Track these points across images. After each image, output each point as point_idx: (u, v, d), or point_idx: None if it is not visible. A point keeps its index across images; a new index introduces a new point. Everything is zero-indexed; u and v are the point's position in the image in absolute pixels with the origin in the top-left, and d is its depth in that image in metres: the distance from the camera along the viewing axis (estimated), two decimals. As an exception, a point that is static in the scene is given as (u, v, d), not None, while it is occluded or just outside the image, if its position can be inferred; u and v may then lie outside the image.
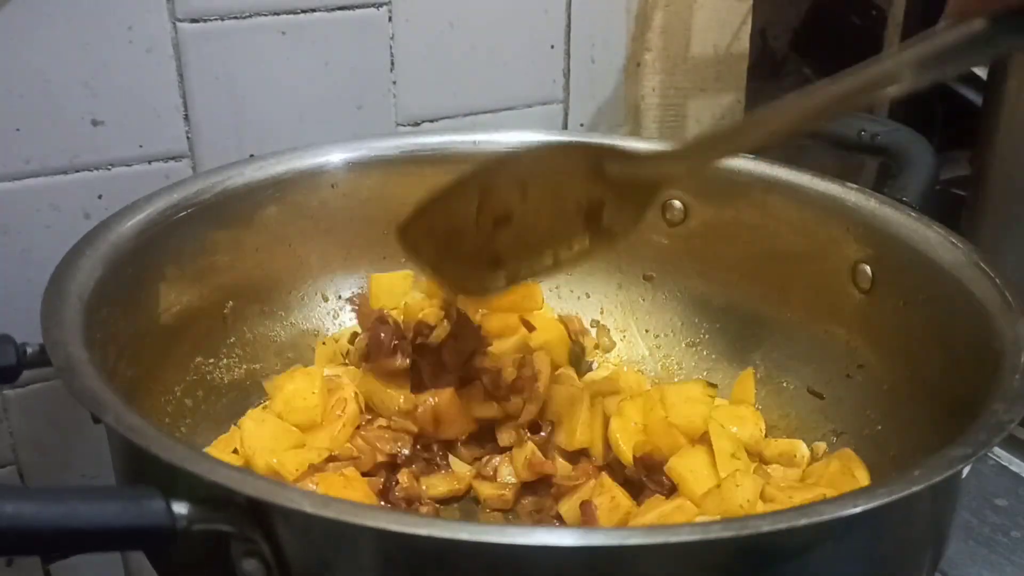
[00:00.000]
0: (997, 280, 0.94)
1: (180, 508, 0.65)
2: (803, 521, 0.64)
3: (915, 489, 0.68)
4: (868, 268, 1.08)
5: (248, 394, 1.12)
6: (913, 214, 1.06)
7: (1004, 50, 0.83)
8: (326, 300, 1.21)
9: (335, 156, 1.19)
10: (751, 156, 1.18)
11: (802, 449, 1.08)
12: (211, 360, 1.10)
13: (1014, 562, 1.06)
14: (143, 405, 0.97)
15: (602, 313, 1.28)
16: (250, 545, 0.66)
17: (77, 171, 1.16)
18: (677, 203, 1.21)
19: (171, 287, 1.05)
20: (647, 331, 1.26)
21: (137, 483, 0.74)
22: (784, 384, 1.15)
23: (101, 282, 0.92)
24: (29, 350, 0.89)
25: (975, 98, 1.45)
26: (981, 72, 1.42)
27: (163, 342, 1.04)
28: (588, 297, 1.28)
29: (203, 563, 0.70)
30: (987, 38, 0.76)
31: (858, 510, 0.65)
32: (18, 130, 1.12)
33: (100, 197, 1.17)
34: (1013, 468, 1.19)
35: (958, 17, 0.78)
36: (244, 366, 1.13)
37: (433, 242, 0.99)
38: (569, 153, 0.98)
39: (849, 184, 1.12)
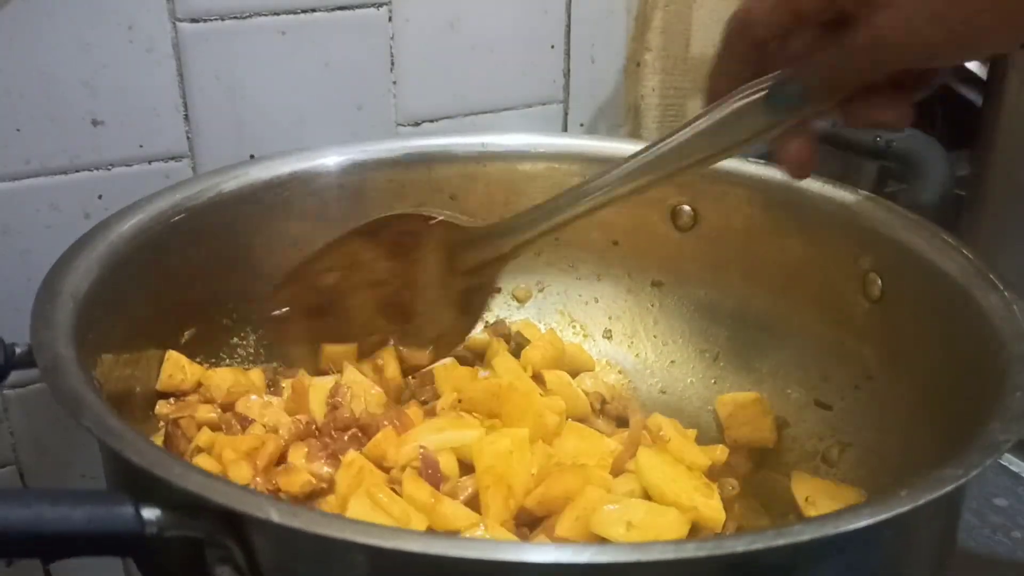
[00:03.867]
0: (1006, 293, 0.92)
1: (150, 514, 0.64)
2: (779, 541, 0.63)
3: (900, 511, 0.67)
4: (878, 278, 1.07)
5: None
6: (924, 223, 1.05)
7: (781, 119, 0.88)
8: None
9: (333, 158, 1.18)
10: (762, 162, 1.17)
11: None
12: (211, 361, 1.11)
13: (1014, 562, 1.06)
14: (139, 405, 0.98)
15: (610, 319, 1.28)
16: (223, 552, 0.66)
17: (77, 171, 1.17)
18: (687, 208, 1.21)
19: (168, 288, 1.05)
20: (655, 337, 1.26)
21: (121, 487, 0.74)
22: (791, 393, 1.15)
23: (97, 283, 0.92)
24: (18, 350, 0.89)
25: (975, 98, 1.45)
26: (981, 72, 1.41)
27: (161, 343, 1.04)
28: (597, 302, 1.28)
29: (179, 568, 0.69)
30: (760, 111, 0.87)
31: (839, 531, 0.65)
32: (18, 130, 1.12)
33: (100, 197, 1.18)
34: (1013, 468, 1.19)
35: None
36: (244, 368, 1.13)
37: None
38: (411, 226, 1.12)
39: (860, 191, 1.11)
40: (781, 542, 0.63)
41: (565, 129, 1.43)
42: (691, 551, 0.62)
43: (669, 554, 0.62)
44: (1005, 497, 1.14)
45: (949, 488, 0.70)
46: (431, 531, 0.87)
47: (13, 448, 1.23)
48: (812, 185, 1.12)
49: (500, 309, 1.29)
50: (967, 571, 1.05)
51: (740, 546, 0.62)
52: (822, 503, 1.01)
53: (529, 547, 0.67)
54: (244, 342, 1.15)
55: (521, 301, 1.30)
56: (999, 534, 1.10)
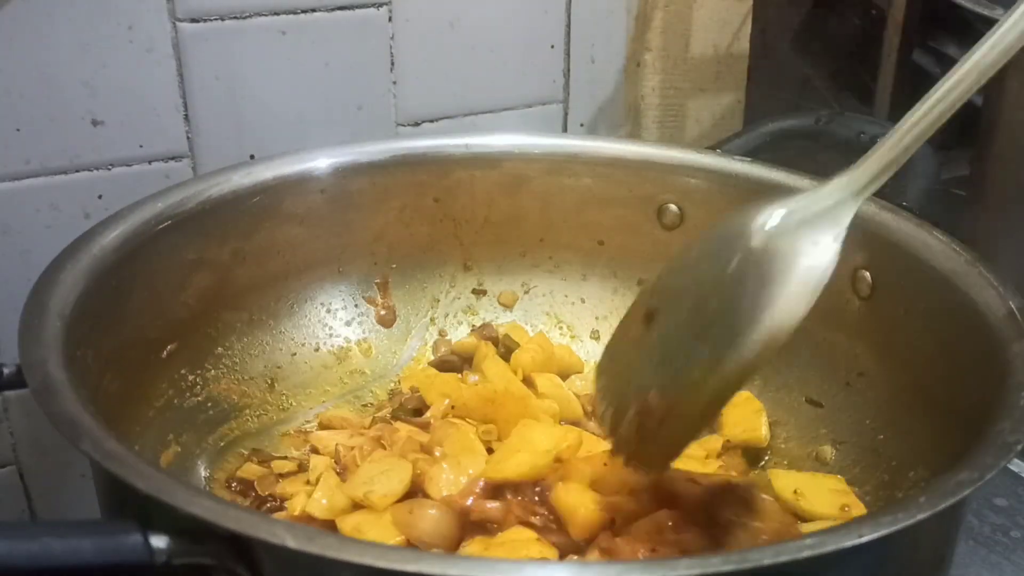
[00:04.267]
0: (1001, 290, 0.92)
1: (159, 542, 0.64)
2: (805, 553, 0.63)
3: (921, 517, 0.67)
4: (868, 275, 1.07)
5: (237, 405, 1.12)
6: (914, 220, 1.05)
7: None
8: (316, 308, 1.21)
9: (323, 161, 1.17)
10: (747, 159, 1.17)
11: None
12: (198, 371, 1.09)
13: (1014, 562, 1.06)
14: (130, 418, 0.97)
15: (597, 319, 1.27)
16: (232, 578, 0.65)
17: (77, 171, 1.16)
18: (673, 207, 1.20)
19: (155, 299, 1.04)
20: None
21: (118, 510, 0.74)
22: (782, 392, 1.14)
23: (83, 296, 0.91)
24: (7, 370, 0.88)
25: (975, 98, 1.45)
26: (980, 72, 1.41)
27: (148, 355, 1.03)
28: (583, 303, 1.27)
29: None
30: None
31: (863, 540, 0.65)
32: (18, 130, 1.12)
33: (100, 197, 1.18)
34: (1013, 468, 1.19)
35: None
36: (233, 376, 1.13)
37: None
38: None
39: (848, 188, 1.11)
40: (806, 553, 0.63)
41: (565, 129, 1.43)
42: (717, 565, 0.62)
43: (695, 569, 0.62)
44: (1005, 497, 1.14)
45: (967, 492, 0.70)
46: (451, 553, 0.87)
47: (13, 448, 1.23)
48: (799, 182, 1.12)
49: (486, 312, 1.29)
50: (967, 571, 1.05)
51: (766, 558, 0.62)
52: (811, 494, 1.00)
53: (555, 565, 0.67)
54: (229, 351, 1.13)
55: (507, 305, 1.29)
56: (999, 534, 1.10)
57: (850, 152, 1.19)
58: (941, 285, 0.98)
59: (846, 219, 0.85)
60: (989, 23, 1.14)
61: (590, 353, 1.27)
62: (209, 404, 1.09)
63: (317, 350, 1.20)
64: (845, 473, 1.05)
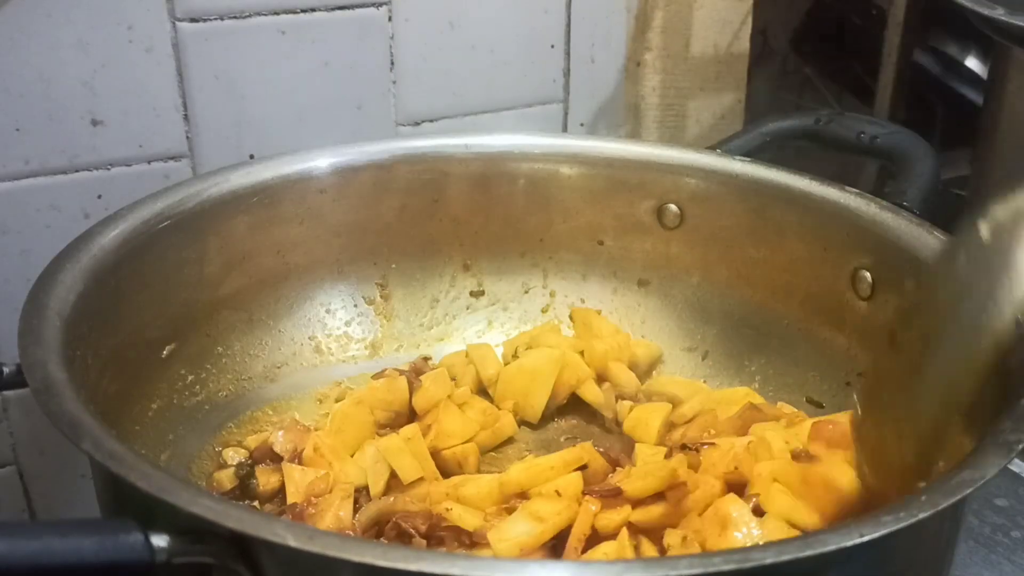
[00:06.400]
0: (1001, 290, 0.92)
1: (159, 540, 0.64)
2: (807, 552, 0.63)
3: (922, 516, 0.67)
4: (868, 275, 1.07)
5: (236, 405, 1.12)
6: (914, 220, 1.05)
7: None
8: (316, 308, 1.21)
9: (323, 161, 1.18)
10: (747, 159, 1.17)
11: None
12: (198, 371, 1.09)
13: (1014, 562, 1.06)
14: (128, 419, 0.97)
15: (597, 320, 1.27)
16: (232, 576, 0.65)
17: (77, 171, 1.16)
18: (673, 207, 1.20)
19: (155, 299, 1.04)
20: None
21: (118, 510, 0.73)
22: (782, 392, 1.14)
23: (82, 296, 0.91)
24: (6, 369, 0.88)
25: (975, 98, 1.45)
26: (981, 72, 1.42)
27: (148, 355, 1.03)
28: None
29: (185, 596, 0.69)
30: None
31: (864, 539, 0.64)
32: (18, 130, 1.12)
33: (100, 197, 1.18)
34: (1013, 468, 1.19)
35: None
36: (231, 376, 1.13)
37: None
38: None
39: (849, 188, 1.10)
40: (808, 552, 0.63)
41: (565, 129, 1.43)
42: (718, 564, 0.62)
43: (697, 568, 0.62)
44: (1005, 497, 1.14)
45: (968, 491, 0.70)
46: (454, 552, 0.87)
47: (13, 448, 1.23)
48: (799, 182, 1.13)
49: (485, 311, 1.29)
50: (967, 571, 1.05)
51: (768, 557, 0.62)
52: None
53: (556, 564, 0.67)
54: (229, 351, 1.13)
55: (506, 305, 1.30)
56: (999, 534, 1.10)
57: (850, 152, 1.19)
58: (941, 285, 0.98)
59: None
60: (990, 23, 1.15)
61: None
62: (208, 404, 1.09)
63: (317, 350, 1.20)
64: (845, 472, 1.05)
